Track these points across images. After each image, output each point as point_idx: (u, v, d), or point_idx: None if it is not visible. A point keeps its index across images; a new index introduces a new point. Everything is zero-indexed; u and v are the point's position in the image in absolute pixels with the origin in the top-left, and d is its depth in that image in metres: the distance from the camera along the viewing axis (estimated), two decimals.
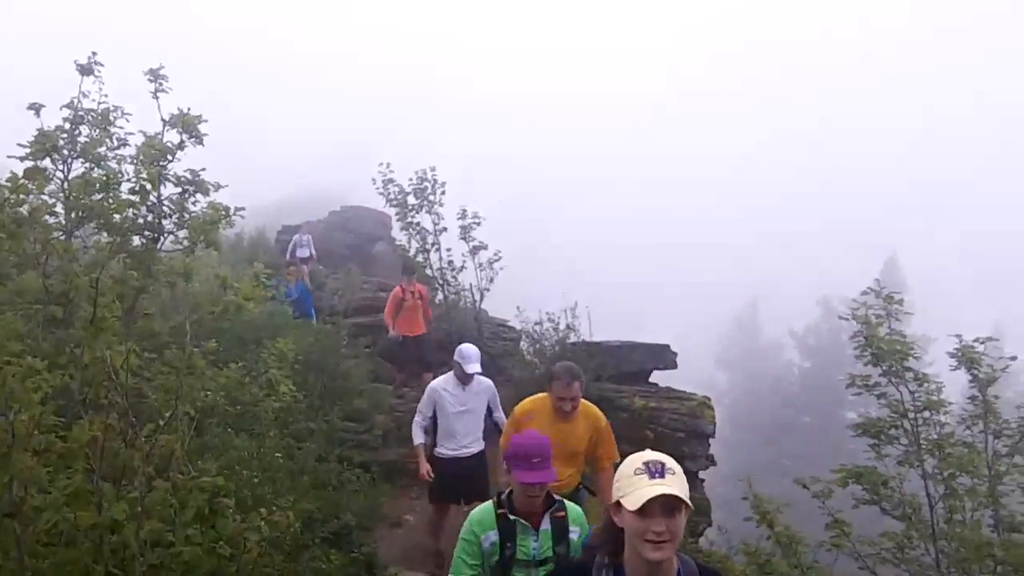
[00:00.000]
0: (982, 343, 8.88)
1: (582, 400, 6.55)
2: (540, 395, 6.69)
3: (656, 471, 2.82)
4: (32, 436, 3.74)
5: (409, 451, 11.78)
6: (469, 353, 8.15)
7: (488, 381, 8.44)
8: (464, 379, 8.13)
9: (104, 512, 3.70)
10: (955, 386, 9.67)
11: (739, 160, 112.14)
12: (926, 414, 8.73)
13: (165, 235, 7.49)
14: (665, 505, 2.75)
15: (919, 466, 8.59)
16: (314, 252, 21.99)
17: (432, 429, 8.28)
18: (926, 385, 8.79)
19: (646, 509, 2.74)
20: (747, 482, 8.92)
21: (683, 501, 2.75)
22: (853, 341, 9.39)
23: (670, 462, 2.87)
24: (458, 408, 8.12)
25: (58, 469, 4.21)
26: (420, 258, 16.64)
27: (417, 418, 8.35)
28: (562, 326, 14.87)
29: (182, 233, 7.47)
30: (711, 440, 14.57)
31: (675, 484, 2.78)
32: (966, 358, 8.77)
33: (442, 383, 8.26)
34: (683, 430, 13.90)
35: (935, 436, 8.67)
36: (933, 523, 8.41)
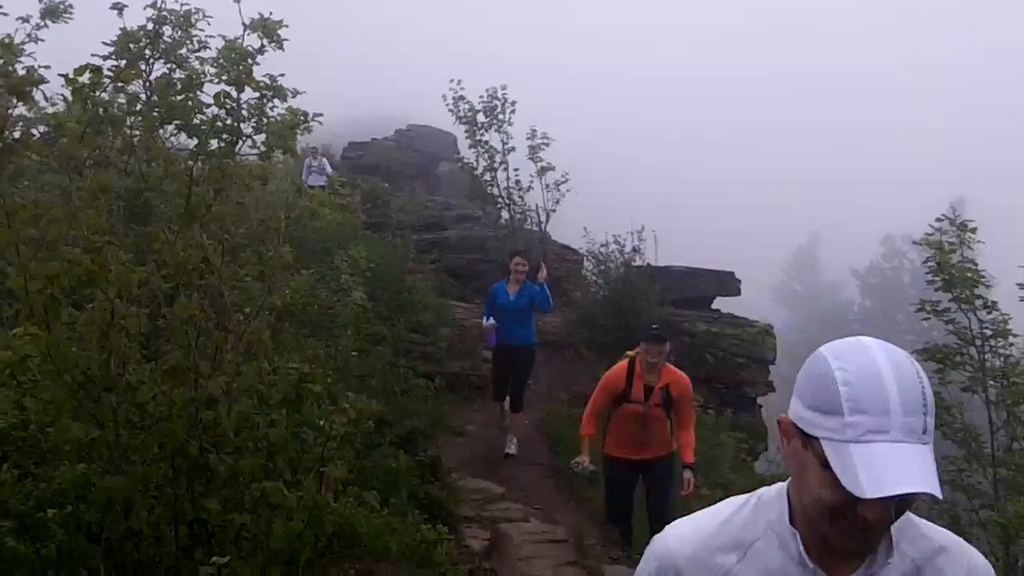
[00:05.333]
0: None
1: None
2: None
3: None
4: (128, 316, 3.92)
5: (471, 365, 12.09)
6: None
7: None
8: None
9: (200, 389, 3.90)
10: (1021, 320, 9.63)
11: (800, 98, 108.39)
12: (993, 342, 8.73)
13: (243, 139, 7.60)
14: None
15: (983, 392, 8.61)
16: (329, 172, 18.79)
17: None
18: (995, 314, 8.78)
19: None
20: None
21: None
22: (925, 267, 9.41)
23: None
24: None
25: (152, 351, 4.43)
26: (487, 176, 16.69)
27: None
28: (628, 248, 14.77)
29: (259, 138, 7.57)
30: (771, 367, 14.73)
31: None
32: None
33: None
34: (744, 356, 14.08)
35: (1000, 364, 8.68)
36: (993, 450, 8.49)
